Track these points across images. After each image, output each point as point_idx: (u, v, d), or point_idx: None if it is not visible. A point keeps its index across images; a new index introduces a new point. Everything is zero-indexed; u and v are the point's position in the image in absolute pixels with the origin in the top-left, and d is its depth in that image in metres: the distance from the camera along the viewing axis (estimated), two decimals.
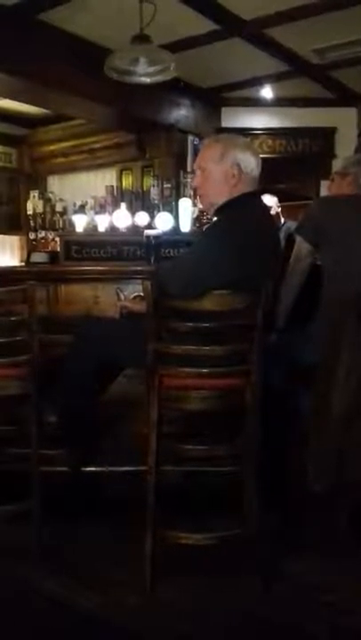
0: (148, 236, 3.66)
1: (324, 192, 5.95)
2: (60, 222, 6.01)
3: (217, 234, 2.43)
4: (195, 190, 2.82)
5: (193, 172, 5.25)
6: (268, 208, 2.78)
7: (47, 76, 4.80)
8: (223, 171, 2.41)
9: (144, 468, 2.21)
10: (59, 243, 4.40)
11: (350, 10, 4.33)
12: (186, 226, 4.40)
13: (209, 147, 2.51)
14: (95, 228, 4.90)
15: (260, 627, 2.01)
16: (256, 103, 6.35)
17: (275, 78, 5.84)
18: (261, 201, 2.60)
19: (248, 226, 2.36)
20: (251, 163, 2.43)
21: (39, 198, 6.25)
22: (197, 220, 4.56)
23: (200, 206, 4.53)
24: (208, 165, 2.44)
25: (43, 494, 2.39)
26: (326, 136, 6.51)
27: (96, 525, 2.59)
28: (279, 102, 6.33)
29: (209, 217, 4.38)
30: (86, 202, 5.75)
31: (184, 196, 4.81)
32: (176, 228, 4.33)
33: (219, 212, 2.48)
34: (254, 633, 1.99)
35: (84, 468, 2.71)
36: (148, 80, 4.15)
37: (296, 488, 2.60)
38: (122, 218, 4.62)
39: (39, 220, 6.06)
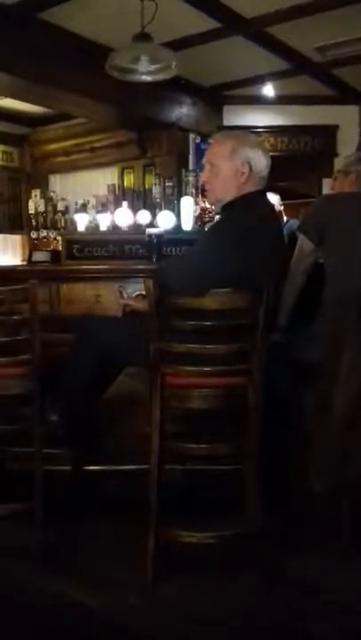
0: (149, 235, 3.66)
1: (326, 190, 5.95)
2: (62, 221, 6.00)
3: (221, 232, 2.42)
4: (203, 185, 2.81)
5: (195, 170, 5.27)
6: (273, 207, 2.77)
7: (48, 75, 4.80)
8: (233, 167, 2.39)
9: (146, 466, 2.21)
10: (60, 242, 4.41)
11: (352, 7, 4.32)
12: (188, 224, 4.40)
13: (220, 142, 2.48)
14: (97, 226, 4.90)
15: (260, 627, 2.00)
16: (258, 101, 6.33)
17: (276, 76, 5.82)
18: (267, 200, 2.59)
19: (253, 224, 2.35)
20: (261, 162, 2.42)
21: (41, 197, 6.24)
22: (199, 218, 4.55)
23: (202, 204, 4.53)
24: (218, 161, 2.42)
25: (44, 493, 2.39)
26: (328, 134, 6.50)
27: (98, 524, 2.59)
28: (281, 100, 6.31)
29: (211, 215, 4.39)
30: (88, 201, 5.75)
31: (186, 194, 4.80)
32: (178, 227, 4.34)
33: (224, 209, 2.47)
34: (255, 633, 1.99)
35: (85, 467, 2.71)
36: (149, 78, 4.14)
37: (298, 487, 2.59)
38: (123, 216, 4.63)
39: (41, 219, 6.05)
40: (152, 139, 6.38)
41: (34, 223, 6.13)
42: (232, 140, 2.43)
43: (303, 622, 2.01)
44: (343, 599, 2.12)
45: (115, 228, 4.66)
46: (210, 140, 2.57)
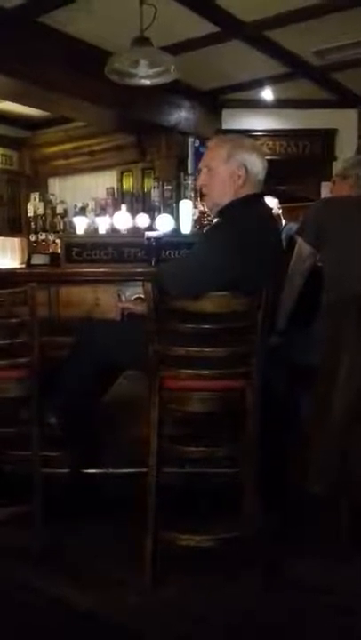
0: (148, 238, 3.66)
1: (324, 193, 5.96)
2: (61, 224, 6.01)
3: (219, 235, 2.43)
4: (200, 189, 2.83)
5: (193, 173, 5.28)
6: (270, 209, 2.79)
7: (48, 79, 4.81)
8: (229, 171, 2.41)
9: (145, 469, 2.21)
10: (59, 245, 4.40)
11: (350, 11, 4.34)
12: (186, 227, 4.40)
13: (216, 146, 2.50)
14: (96, 229, 4.89)
15: (259, 627, 2.01)
16: (257, 105, 6.35)
17: (275, 80, 5.84)
18: (264, 202, 2.61)
19: (250, 227, 2.36)
20: (257, 165, 2.43)
21: (40, 200, 6.25)
22: (198, 221, 4.56)
23: (201, 207, 4.53)
24: (214, 165, 2.44)
25: (44, 496, 2.39)
26: (327, 138, 6.52)
27: (97, 526, 2.59)
28: (280, 104, 6.33)
29: (210, 218, 4.39)
30: (87, 204, 5.75)
31: (185, 197, 4.81)
32: (177, 230, 4.33)
33: (221, 212, 2.48)
34: (254, 633, 1.99)
35: (84, 470, 2.72)
36: (148, 82, 4.15)
37: (296, 489, 2.60)
38: (122, 220, 4.63)
39: (40, 222, 6.05)
40: (151, 142, 6.39)
41: (33, 226, 6.14)
42: (228, 144, 2.45)
43: (303, 622, 2.01)
44: (343, 599, 2.13)
45: (114, 231, 4.65)
46: (208, 144, 2.59)
